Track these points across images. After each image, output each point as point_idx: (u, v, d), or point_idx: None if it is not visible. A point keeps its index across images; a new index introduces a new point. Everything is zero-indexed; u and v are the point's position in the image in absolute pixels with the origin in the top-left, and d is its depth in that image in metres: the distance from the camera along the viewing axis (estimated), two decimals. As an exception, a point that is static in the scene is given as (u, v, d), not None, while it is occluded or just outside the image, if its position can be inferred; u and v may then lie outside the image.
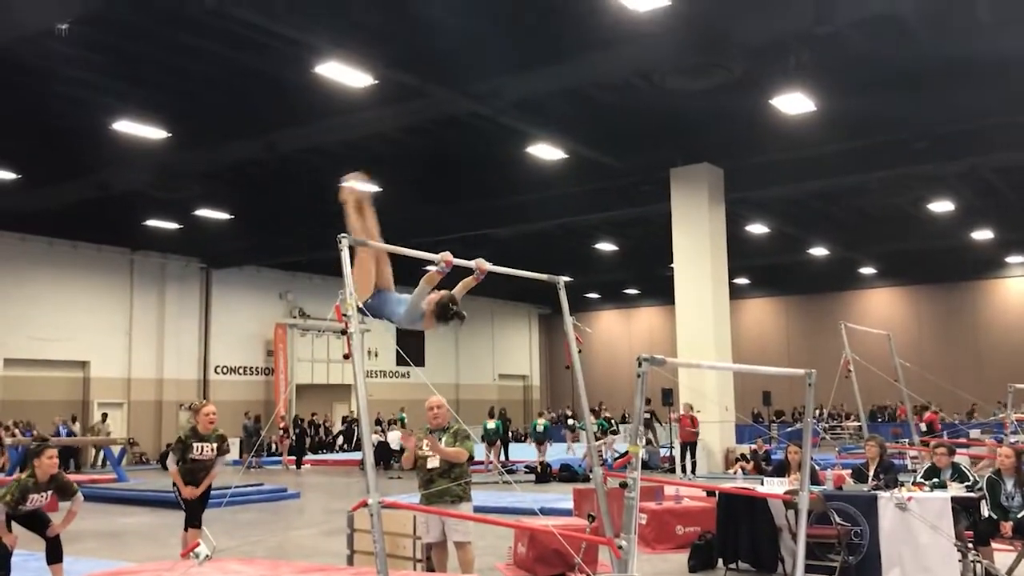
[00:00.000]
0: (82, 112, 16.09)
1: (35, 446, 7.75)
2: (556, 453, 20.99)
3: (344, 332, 5.18)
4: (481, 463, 19.82)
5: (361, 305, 5.70)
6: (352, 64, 13.44)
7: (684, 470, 18.58)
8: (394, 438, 22.72)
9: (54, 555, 7.38)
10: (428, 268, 5.95)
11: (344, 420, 32.77)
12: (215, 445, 8.29)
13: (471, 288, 6.41)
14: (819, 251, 29.70)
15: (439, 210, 22.95)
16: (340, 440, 31.87)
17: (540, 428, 22.93)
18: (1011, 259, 32.90)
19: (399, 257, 6.14)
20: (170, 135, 16.88)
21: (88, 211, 22.31)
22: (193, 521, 7.99)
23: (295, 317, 32.12)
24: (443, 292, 6.00)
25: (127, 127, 16.40)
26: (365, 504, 4.89)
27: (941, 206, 23.66)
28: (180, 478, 8.15)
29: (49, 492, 7.48)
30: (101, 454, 25.00)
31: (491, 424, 22.31)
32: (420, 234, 23.38)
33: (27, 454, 7.67)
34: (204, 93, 15.57)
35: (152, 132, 16.72)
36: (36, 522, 7.48)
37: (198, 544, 5.11)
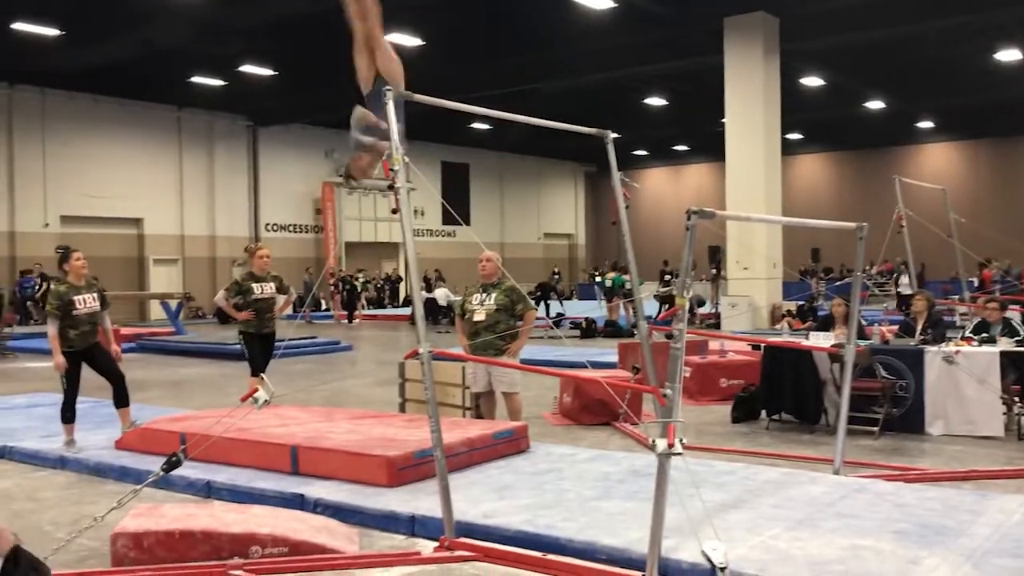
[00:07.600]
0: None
1: (61, 252, 7.90)
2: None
3: (391, 187, 5.15)
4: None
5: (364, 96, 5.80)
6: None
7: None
8: (441, 295, 23.06)
9: (121, 399, 7.68)
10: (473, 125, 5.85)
11: (386, 278, 33.16)
12: (274, 285, 8.51)
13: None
14: (875, 104, 28.83)
15: (482, 65, 22.44)
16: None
17: (608, 284, 22.57)
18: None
19: (446, 112, 6.04)
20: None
21: (133, 68, 22.21)
22: (256, 370, 8.21)
23: (341, 175, 32.05)
24: (367, 156, 6.19)
25: (167, -20, 16.15)
26: (416, 354, 4.98)
27: (1008, 55, 22.61)
28: (232, 309, 8.45)
29: (94, 294, 7.67)
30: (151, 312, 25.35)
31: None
32: (463, 90, 22.94)
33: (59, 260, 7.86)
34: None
35: (193, -15, 16.44)
36: (100, 362, 7.70)
37: (256, 390, 5.26)
